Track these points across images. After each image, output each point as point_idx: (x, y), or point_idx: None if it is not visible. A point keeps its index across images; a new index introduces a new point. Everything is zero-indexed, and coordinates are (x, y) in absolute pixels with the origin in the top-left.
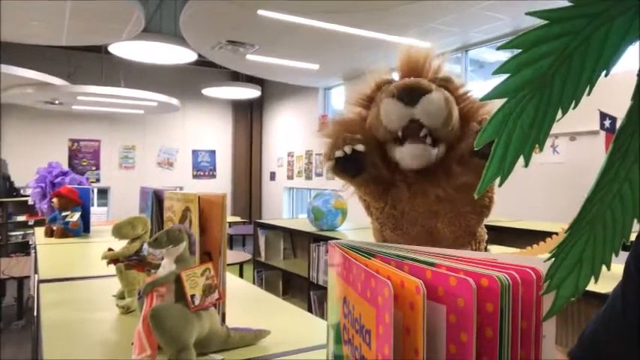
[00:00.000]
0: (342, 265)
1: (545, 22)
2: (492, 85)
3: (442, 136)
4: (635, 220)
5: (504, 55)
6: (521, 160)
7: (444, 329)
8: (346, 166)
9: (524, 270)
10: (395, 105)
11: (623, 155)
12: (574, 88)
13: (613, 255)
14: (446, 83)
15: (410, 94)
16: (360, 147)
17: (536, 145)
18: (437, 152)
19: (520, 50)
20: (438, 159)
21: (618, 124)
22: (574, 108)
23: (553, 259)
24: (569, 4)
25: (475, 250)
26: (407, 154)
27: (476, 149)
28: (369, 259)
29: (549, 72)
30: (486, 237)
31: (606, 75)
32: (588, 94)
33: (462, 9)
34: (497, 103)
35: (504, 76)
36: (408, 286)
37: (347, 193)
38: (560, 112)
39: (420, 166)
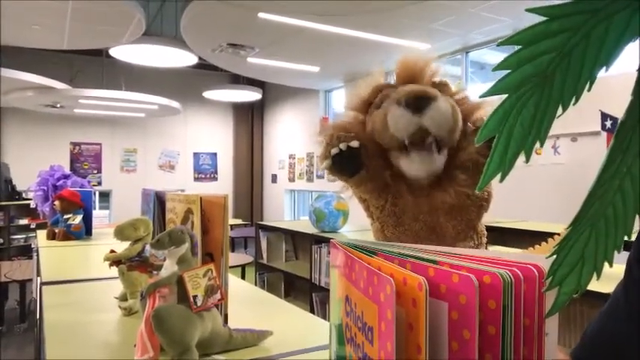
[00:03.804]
0: (344, 264)
1: (545, 18)
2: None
3: (446, 142)
4: (637, 216)
5: (505, 56)
6: (522, 158)
7: (446, 326)
8: (343, 165)
9: (526, 267)
10: (402, 113)
11: (624, 151)
12: (574, 84)
13: (615, 252)
14: (443, 88)
15: (417, 102)
16: (354, 143)
17: (538, 144)
18: (442, 160)
19: (520, 47)
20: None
21: None
22: (574, 104)
23: (555, 255)
24: (569, 0)
25: (477, 244)
26: (414, 163)
27: (477, 144)
28: (372, 257)
29: (549, 68)
30: (485, 233)
31: (606, 71)
32: (589, 90)
33: (463, 10)
34: (494, 105)
35: (504, 73)
36: (411, 283)
37: (348, 195)
38: (560, 109)
39: (426, 174)
